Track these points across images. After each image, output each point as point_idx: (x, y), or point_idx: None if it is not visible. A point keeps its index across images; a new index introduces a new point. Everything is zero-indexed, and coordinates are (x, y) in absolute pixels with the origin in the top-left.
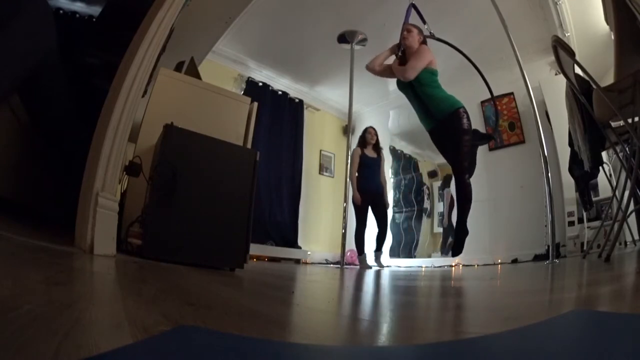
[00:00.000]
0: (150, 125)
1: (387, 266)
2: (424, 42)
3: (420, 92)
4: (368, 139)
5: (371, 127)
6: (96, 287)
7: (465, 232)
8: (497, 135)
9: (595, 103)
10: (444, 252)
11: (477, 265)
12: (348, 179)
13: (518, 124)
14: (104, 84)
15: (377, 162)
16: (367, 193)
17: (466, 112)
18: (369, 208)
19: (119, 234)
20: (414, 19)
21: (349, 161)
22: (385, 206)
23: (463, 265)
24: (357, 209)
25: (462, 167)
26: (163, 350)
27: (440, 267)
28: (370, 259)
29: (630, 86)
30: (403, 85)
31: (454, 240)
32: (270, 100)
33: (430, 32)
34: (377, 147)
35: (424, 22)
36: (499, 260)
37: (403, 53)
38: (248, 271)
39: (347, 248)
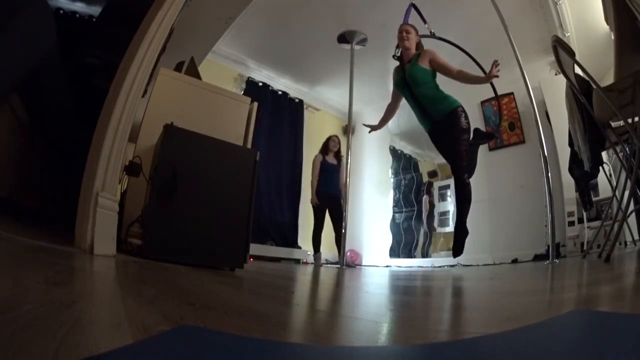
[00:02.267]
0: (150, 125)
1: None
2: (419, 43)
3: (417, 92)
4: (331, 146)
5: (335, 135)
6: (96, 287)
7: (465, 233)
8: (498, 135)
9: (595, 103)
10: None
11: (478, 266)
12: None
13: (518, 124)
14: (104, 84)
15: (337, 168)
16: (325, 197)
17: (464, 112)
18: (327, 211)
19: (119, 234)
20: (413, 18)
21: (312, 167)
22: (341, 209)
23: (463, 265)
24: (315, 211)
25: (461, 166)
26: (163, 350)
27: (440, 267)
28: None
29: (630, 86)
30: (402, 85)
31: (454, 241)
32: (270, 100)
33: (431, 32)
34: (338, 155)
35: (425, 21)
36: (499, 260)
37: (401, 54)
38: (248, 271)
39: (346, 248)
